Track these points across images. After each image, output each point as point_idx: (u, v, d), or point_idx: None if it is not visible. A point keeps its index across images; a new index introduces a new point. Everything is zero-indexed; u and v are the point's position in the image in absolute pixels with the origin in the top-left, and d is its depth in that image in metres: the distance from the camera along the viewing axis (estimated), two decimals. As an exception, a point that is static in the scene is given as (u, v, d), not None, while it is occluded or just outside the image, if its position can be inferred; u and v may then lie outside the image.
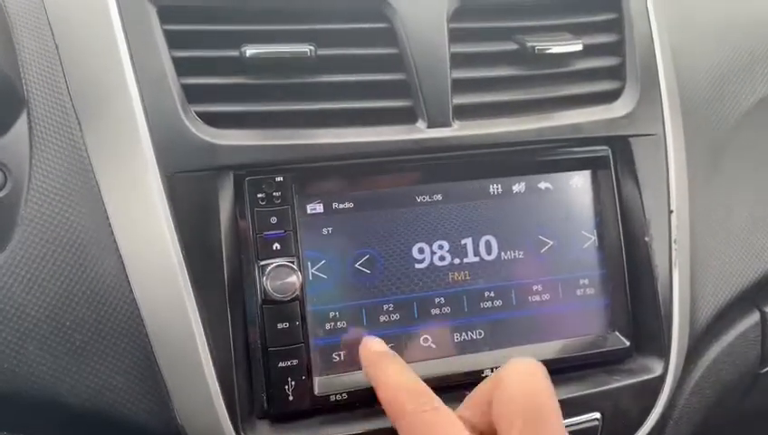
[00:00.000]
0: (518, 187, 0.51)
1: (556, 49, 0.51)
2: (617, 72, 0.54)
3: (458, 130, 0.49)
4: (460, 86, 0.49)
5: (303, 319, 0.46)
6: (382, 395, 0.40)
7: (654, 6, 0.56)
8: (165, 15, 0.46)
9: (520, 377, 0.38)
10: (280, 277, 0.45)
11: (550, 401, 0.37)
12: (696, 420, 0.60)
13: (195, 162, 0.45)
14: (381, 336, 0.48)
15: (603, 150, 0.53)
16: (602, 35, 0.54)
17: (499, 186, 0.51)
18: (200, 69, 0.46)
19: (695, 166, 0.56)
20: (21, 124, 0.45)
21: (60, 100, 0.46)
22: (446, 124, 0.49)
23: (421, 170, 0.50)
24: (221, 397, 0.44)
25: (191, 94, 0.46)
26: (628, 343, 0.53)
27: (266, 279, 0.45)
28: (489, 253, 0.51)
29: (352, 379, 0.47)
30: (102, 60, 0.46)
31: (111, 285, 0.45)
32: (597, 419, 0.50)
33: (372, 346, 0.45)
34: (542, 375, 0.38)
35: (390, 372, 0.41)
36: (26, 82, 0.46)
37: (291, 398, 0.46)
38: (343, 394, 0.47)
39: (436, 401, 0.39)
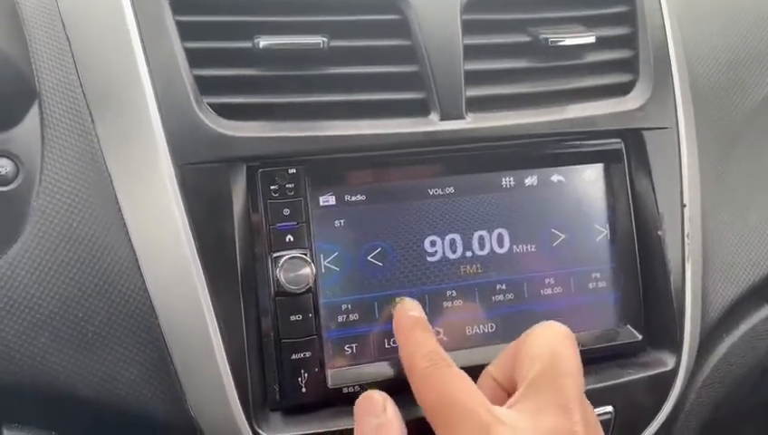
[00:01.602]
0: (530, 180, 0.51)
1: (569, 41, 0.51)
2: (629, 65, 0.54)
3: (471, 122, 0.49)
4: (473, 78, 0.49)
5: (316, 311, 0.46)
6: (403, 354, 0.43)
7: (667, -1, 0.56)
8: (177, 6, 0.46)
9: (543, 334, 0.40)
10: (293, 269, 0.45)
11: (570, 358, 0.38)
12: (705, 412, 0.60)
13: (207, 154, 0.45)
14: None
15: (616, 143, 0.53)
16: (615, 28, 0.54)
17: (511, 179, 0.51)
18: (213, 60, 0.46)
19: (708, 159, 0.56)
20: (33, 116, 0.45)
21: (72, 92, 0.46)
22: (459, 116, 0.48)
23: (434, 163, 0.50)
24: (234, 388, 0.44)
25: (204, 86, 0.45)
26: (640, 337, 0.53)
27: (279, 271, 0.45)
28: (501, 246, 0.50)
29: (365, 371, 0.47)
30: (114, 51, 0.46)
31: (124, 276, 0.45)
32: (609, 412, 0.50)
33: (408, 309, 0.46)
34: (567, 335, 0.40)
35: (414, 336, 0.43)
36: (38, 74, 0.46)
37: (303, 390, 0.46)
38: (356, 386, 0.47)
39: (446, 361, 0.40)
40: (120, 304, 0.45)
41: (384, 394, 0.41)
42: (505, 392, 0.41)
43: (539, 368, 0.38)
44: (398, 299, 0.48)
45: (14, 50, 0.44)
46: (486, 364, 0.49)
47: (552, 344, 0.39)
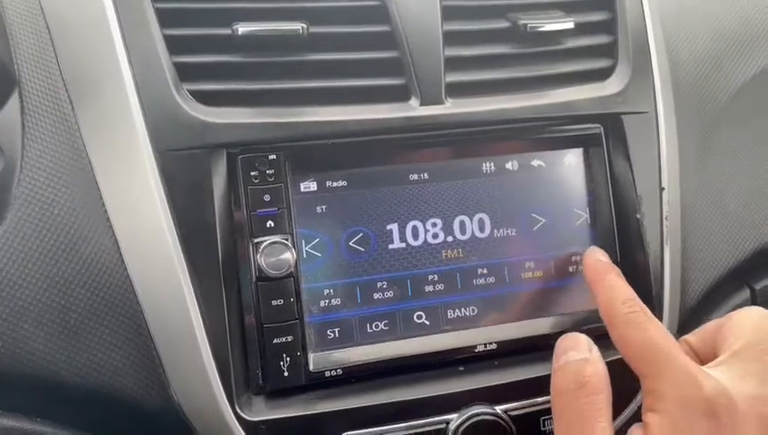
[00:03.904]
0: (511, 164, 0.52)
1: (548, 27, 0.51)
2: (609, 50, 0.55)
3: (451, 107, 0.49)
4: (453, 64, 0.50)
5: (298, 296, 0.47)
6: (601, 299, 0.45)
7: (646, -16, 0.56)
8: (156, -7, 0.46)
9: (751, 315, 0.43)
10: (274, 254, 0.45)
11: None
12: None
13: (188, 140, 0.45)
14: (375, 313, 0.49)
15: (595, 128, 0.53)
16: (594, 13, 0.54)
17: (492, 164, 0.51)
18: (192, 47, 0.46)
19: (687, 143, 0.56)
20: (13, 104, 0.45)
21: (52, 79, 0.46)
22: (439, 102, 0.49)
23: (414, 148, 0.50)
24: (216, 374, 0.45)
25: (183, 73, 0.46)
26: (619, 319, 0.53)
27: (260, 256, 0.45)
28: (482, 230, 0.51)
29: (347, 355, 0.48)
30: (94, 39, 0.46)
31: (106, 263, 0.45)
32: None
33: (597, 255, 0.49)
34: None
35: (611, 282, 0.45)
36: (17, 62, 0.46)
37: (286, 374, 0.46)
38: (338, 370, 0.47)
39: (647, 309, 0.43)
40: (102, 291, 0.45)
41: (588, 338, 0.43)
42: (699, 361, 0.43)
43: (744, 342, 0.40)
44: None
45: (-7, 37, 0.44)
46: (469, 347, 0.50)
47: (758, 323, 0.42)
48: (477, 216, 0.51)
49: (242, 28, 0.45)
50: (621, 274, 0.46)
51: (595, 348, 0.42)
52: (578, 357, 0.41)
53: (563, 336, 0.44)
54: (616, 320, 0.43)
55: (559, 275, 0.52)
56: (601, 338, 0.52)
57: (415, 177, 0.50)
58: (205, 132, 0.45)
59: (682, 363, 0.39)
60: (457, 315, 0.50)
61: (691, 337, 0.46)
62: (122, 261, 0.45)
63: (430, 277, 0.50)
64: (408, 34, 0.48)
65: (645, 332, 0.41)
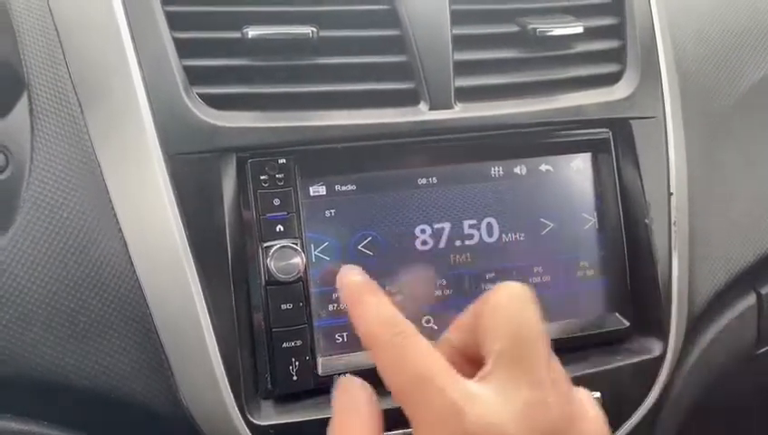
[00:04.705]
0: (519, 169, 0.52)
1: (557, 31, 0.51)
2: (617, 55, 0.55)
3: (460, 112, 0.49)
4: (462, 68, 0.50)
5: (307, 300, 0.46)
6: (359, 326, 0.37)
7: (654, -11, 0.56)
8: (166, -3, 0.46)
9: (502, 302, 0.36)
10: (284, 258, 0.45)
11: (534, 324, 0.35)
12: (693, 399, 0.60)
13: (197, 144, 0.45)
14: (384, 317, 0.48)
15: (604, 133, 0.53)
16: (603, 18, 0.55)
17: (500, 168, 0.51)
18: (202, 51, 0.46)
19: (695, 148, 0.56)
20: (21, 107, 0.45)
21: (61, 82, 0.46)
22: (448, 106, 0.49)
23: (423, 153, 0.50)
24: (225, 378, 0.44)
25: (193, 76, 0.45)
26: (627, 324, 0.53)
27: (270, 260, 0.45)
28: (490, 235, 0.51)
29: (356, 359, 0.48)
30: (103, 42, 0.46)
31: (115, 267, 0.45)
32: (597, 398, 0.50)
33: (351, 275, 0.40)
34: (525, 296, 0.36)
35: (367, 304, 0.38)
36: (26, 65, 0.46)
37: (295, 378, 0.46)
38: (347, 374, 0.47)
39: (410, 328, 0.36)
40: (111, 294, 0.45)
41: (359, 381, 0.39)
42: (465, 359, 0.38)
43: (504, 341, 0.35)
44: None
45: (1, 40, 0.44)
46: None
47: (512, 313, 0.36)
48: (485, 220, 0.51)
49: (252, 32, 0.45)
50: (378, 289, 0.38)
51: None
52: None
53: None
54: (376, 349, 0.36)
55: (567, 280, 0.52)
56: (605, 344, 0.53)
57: (423, 181, 0.50)
58: (214, 136, 0.45)
59: (441, 388, 0.33)
60: (465, 320, 0.50)
61: (452, 335, 0.39)
62: (131, 264, 0.45)
63: (438, 282, 0.50)
64: (417, 38, 0.48)
65: (402, 361, 0.34)
